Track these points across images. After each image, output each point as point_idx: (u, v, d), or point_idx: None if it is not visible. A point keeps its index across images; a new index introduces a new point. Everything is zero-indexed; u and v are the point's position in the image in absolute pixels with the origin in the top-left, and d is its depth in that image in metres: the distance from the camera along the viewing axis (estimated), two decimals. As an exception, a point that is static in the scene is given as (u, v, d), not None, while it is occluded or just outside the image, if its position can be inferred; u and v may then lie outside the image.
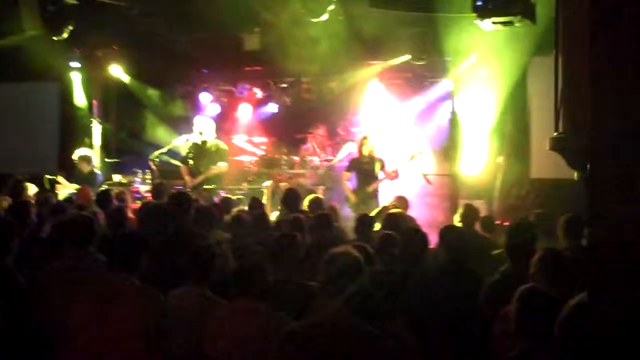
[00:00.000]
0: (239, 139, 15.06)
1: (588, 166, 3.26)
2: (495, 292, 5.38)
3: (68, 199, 10.19)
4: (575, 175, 4.68)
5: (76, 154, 12.72)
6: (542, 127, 11.84)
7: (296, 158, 14.56)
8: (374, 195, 11.66)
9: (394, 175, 11.75)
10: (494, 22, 9.27)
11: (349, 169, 12.07)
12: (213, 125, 12.54)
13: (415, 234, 6.38)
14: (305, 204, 9.02)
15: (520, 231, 6.00)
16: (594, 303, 3.17)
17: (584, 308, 3.45)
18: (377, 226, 8.25)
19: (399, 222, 7.74)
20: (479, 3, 9.13)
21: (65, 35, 12.37)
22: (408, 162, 11.88)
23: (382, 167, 11.77)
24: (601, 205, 3.13)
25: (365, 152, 11.82)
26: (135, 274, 4.75)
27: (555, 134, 4.79)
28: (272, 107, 15.58)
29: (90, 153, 13.25)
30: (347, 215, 10.83)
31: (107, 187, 11.56)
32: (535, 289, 4.20)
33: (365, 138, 12.00)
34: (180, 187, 12.32)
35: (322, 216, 7.80)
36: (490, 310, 4.96)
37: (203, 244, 5.43)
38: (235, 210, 9.00)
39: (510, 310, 4.17)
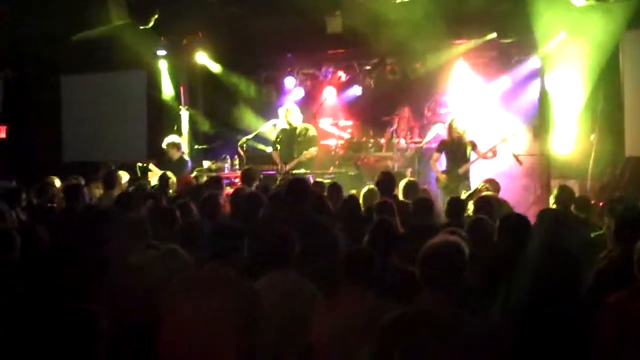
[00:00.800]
0: (325, 123, 15.04)
1: None
2: (604, 279, 5.19)
3: (159, 187, 10.31)
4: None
5: (165, 141, 12.89)
6: (637, 103, 11.56)
7: (382, 140, 14.47)
8: (465, 177, 11.51)
9: (491, 155, 11.57)
10: (587, -2, 9.03)
11: (439, 150, 11.94)
12: (298, 110, 12.55)
13: (516, 219, 6.16)
14: (400, 187, 8.91)
15: (632, 214, 5.77)
16: None
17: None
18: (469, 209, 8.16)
19: (492, 206, 7.60)
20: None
21: (151, 24, 12.58)
22: (501, 144, 11.66)
23: (474, 149, 11.60)
24: None
25: (455, 134, 11.66)
26: (233, 264, 4.76)
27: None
28: (356, 90, 15.47)
29: (179, 140, 13.43)
30: (437, 197, 10.75)
31: (198, 173, 11.72)
32: None
33: (454, 119, 11.85)
34: (271, 172, 12.44)
35: (423, 201, 7.69)
36: (601, 297, 4.76)
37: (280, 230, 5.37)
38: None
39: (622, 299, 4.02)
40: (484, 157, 11.57)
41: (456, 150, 11.65)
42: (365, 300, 4.61)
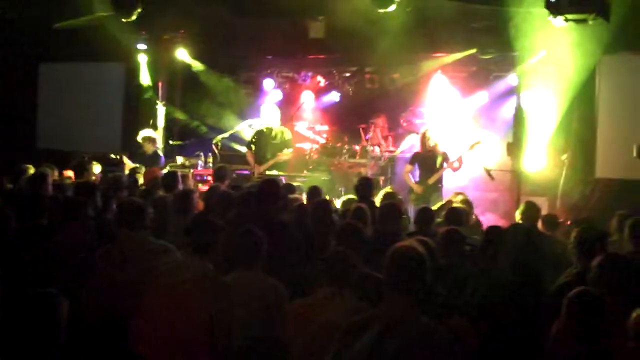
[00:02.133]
0: (301, 126, 15.09)
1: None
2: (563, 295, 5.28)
3: (133, 180, 10.30)
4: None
5: (141, 135, 12.86)
6: (611, 126, 11.70)
7: (357, 147, 14.53)
8: (436, 188, 11.58)
9: (457, 166, 11.66)
10: (566, 19, 9.16)
11: (411, 162, 12.00)
12: (278, 113, 12.59)
13: (491, 231, 6.23)
14: (379, 196, 8.97)
15: (593, 233, 5.88)
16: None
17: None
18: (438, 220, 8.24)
19: (461, 217, 7.69)
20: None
21: (133, 17, 12.51)
22: (468, 152, 11.75)
23: (445, 160, 11.68)
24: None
25: (428, 146, 11.76)
26: (209, 257, 4.79)
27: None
28: (334, 96, 15.57)
29: (155, 134, 13.40)
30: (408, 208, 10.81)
31: (170, 168, 11.67)
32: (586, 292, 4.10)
33: (427, 131, 11.95)
34: (243, 172, 12.44)
35: (390, 207, 7.73)
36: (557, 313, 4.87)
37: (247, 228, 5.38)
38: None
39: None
40: (451, 167, 11.64)
41: (428, 161, 11.74)
42: (344, 301, 4.64)
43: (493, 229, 6.27)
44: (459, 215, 7.71)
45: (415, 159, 11.99)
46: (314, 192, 9.02)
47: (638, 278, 4.74)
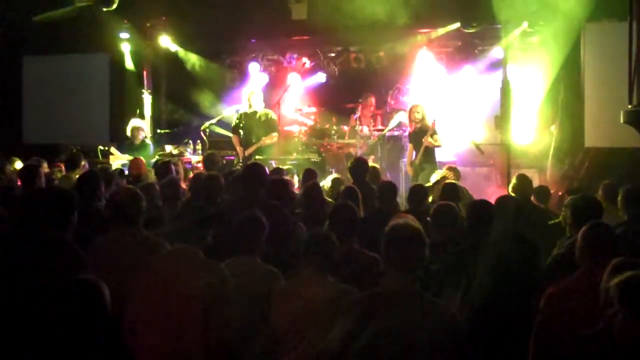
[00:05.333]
0: (288, 109, 15.04)
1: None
2: (560, 265, 5.28)
3: (121, 171, 10.28)
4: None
5: (130, 125, 12.81)
6: (598, 95, 11.72)
7: (346, 128, 14.51)
8: (422, 167, 11.51)
9: (432, 142, 11.61)
10: (549, -14, 9.13)
11: (410, 141, 12.09)
12: (261, 95, 12.53)
13: (480, 205, 6.19)
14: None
15: (588, 204, 5.85)
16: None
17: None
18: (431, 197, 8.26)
19: (458, 193, 7.67)
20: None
21: (114, 6, 12.46)
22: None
23: (432, 136, 11.64)
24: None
25: (415, 122, 11.78)
26: (200, 246, 4.76)
27: (630, 106, 4.63)
28: (320, 77, 15.51)
29: (142, 124, 13.35)
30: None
31: (159, 157, 11.62)
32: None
33: (413, 107, 11.96)
34: (231, 158, 12.41)
35: (387, 185, 7.72)
36: (553, 283, 4.86)
37: (250, 214, 5.34)
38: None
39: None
40: (428, 144, 11.63)
41: (417, 137, 11.75)
42: (326, 284, 4.63)
43: (480, 203, 6.21)
44: (455, 191, 7.67)
45: (409, 138, 12.08)
46: (308, 174, 8.97)
47: (621, 247, 4.71)
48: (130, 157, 11.27)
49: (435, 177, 9.32)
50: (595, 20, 11.66)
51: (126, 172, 10.38)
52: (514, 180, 8.53)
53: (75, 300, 3.74)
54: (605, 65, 11.53)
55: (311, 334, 4.45)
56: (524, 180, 8.39)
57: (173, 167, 9.14)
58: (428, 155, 11.65)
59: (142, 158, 10.72)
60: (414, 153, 11.86)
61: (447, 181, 8.42)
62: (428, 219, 6.36)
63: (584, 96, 12.04)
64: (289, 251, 5.56)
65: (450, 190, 7.67)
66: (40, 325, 3.81)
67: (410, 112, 12.00)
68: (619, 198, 6.64)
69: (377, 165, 10.31)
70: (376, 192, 7.66)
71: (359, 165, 8.78)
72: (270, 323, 4.70)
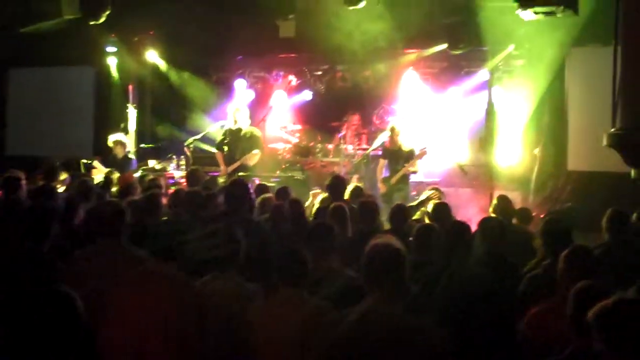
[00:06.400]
0: (273, 126, 15.03)
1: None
2: (535, 287, 5.28)
3: (104, 184, 10.21)
4: (633, 172, 4.57)
5: (111, 139, 12.76)
6: (581, 119, 11.78)
7: (330, 146, 14.52)
8: (398, 188, 11.40)
9: (412, 169, 11.58)
10: (535, 12, 9.20)
11: (383, 156, 11.93)
12: (247, 112, 12.49)
13: (461, 226, 6.18)
14: (347, 192, 8.88)
15: (557, 224, 5.90)
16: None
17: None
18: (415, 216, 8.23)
19: (447, 213, 7.61)
20: (522, -8, 9.07)
21: (102, 20, 12.40)
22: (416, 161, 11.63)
23: (408, 159, 11.55)
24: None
25: (395, 141, 11.66)
26: (173, 262, 4.71)
27: (613, 129, 4.65)
28: (306, 95, 15.55)
29: (125, 138, 13.31)
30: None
31: (143, 172, 11.59)
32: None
33: (395, 126, 11.87)
34: (215, 174, 12.36)
35: (368, 205, 7.67)
36: (530, 305, 4.86)
37: (225, 230, 5.30)
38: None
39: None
40: (407, 171, 11.54)
41: (395, 156, 11.65)
42: (303, 303, 4.59)
43: (459, 225, 6.20)
44: (446, 211, 7.60)
45: (385, 153, 11.92)
46: (282, 192, 8.86)
47: (600, 270, 4.73)
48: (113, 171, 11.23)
49: (422, 197, 9.30)
50: (580, 45, 11.74)
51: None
52: (494, 201, 8.54)
53: (47, 311, 3.69)
54: (589, 89, 11.60)
55: (288, 354, 4.41)
56: (504, 201, 8.41)
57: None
58: (404, 176, 11.58)
59: (130, 174, 10.69)
60: (388, 170, 11.77)
61: (437, 201, 8.36)
62: (410, 239, 6.34)
63: (567, 120, 12.10)
64: (268, 269, 5.52)
65: (440, 210, 7.60)
66: (11, 336, 3.76)
67: (392, 129, 11.80)
68: (604, 219, 6.69)
69: (361, 185, 10.26)
70: (357, 211, 7.61)
71: (337, 184, 8.73)
72: (247, 342, 4.66)
